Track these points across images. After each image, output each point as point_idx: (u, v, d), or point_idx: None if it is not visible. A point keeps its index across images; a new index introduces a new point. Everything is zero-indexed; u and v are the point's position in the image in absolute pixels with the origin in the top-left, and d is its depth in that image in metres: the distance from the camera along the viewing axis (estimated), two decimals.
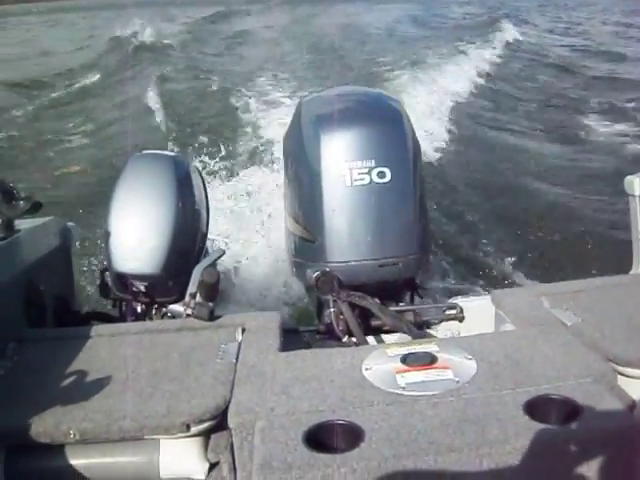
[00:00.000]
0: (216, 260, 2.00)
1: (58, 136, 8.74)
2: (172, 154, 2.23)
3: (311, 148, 2.16)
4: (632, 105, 9.01)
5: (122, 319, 2.16)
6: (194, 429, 1.34)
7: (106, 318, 2.21)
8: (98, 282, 2.22)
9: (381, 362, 1.51)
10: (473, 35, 14.84)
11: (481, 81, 10.54)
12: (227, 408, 1.37)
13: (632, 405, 1.42)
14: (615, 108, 8.97)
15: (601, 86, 10.54)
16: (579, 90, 10.40)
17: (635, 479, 1.22)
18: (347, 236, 2.10)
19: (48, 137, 8.68)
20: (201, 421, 1.34)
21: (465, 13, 22.72)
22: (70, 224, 2.40)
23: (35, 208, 1.93)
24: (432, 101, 8.23)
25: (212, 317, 1.80)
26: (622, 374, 1.46)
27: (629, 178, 2.74)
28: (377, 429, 1.24)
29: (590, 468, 1.20)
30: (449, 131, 7.34)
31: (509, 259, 4.02)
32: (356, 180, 2.07)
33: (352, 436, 1.23)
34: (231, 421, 1.35)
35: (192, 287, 1.88)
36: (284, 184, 2.39)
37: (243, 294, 3.34)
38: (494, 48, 13.37)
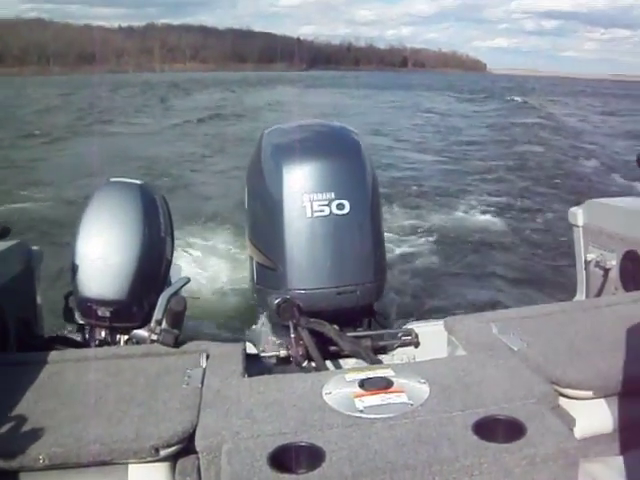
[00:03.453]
0: (181, 288, 2.05)
1: None
2: (139, 182, 2.26)
3: (273, 179, 2.24)
4: None
5: (86, 344, 2.17)
6: (163, 453, 1.37)
7: (70, 342, 2.21)
8: (62, 306, 2.24)
9: (340, 387, 1.57)
10: None
11: None
12: (194, 432, 1.41)
13: (572, 424, 1.55)
14: None
15: None
16: None
17: None
18: (307, 264, 2.18)
19: None
20: (169, 445, 1.37)
21: None
22: (34, 248, 2.42)
23: (4, 233, 1.95)
24: None
25: (177, 343, 1.85)
26: (563, 395, 1.58)
27: (573, 210, 2.92)
28: (337, 450, 1.30)
29: None
30: None
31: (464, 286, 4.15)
32: (316, 211, 2.15)
33: (314, 457, 1.29)
34: (198, 444, 1.38)
35: (158, 314, 1.92)
36: (246, 212, 2.45)
37: (206, 320, 3.36)
38: None
